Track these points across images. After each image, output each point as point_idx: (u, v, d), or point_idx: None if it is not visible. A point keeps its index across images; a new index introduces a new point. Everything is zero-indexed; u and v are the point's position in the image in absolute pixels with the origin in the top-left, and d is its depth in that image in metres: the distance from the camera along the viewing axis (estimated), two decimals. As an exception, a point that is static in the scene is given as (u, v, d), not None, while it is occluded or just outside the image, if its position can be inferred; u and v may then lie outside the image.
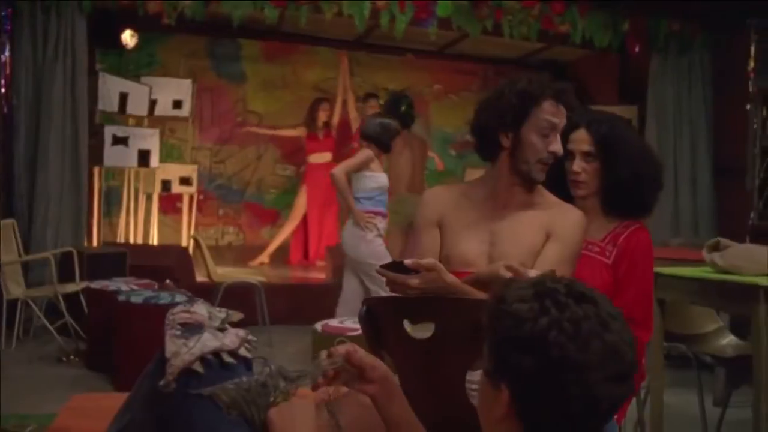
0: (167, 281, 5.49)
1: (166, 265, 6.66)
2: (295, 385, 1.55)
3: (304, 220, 8.61)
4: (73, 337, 5.89)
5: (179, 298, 5.11)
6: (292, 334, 6.49)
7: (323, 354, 1.60)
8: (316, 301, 7.05)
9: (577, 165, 2.64)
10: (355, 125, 8.72)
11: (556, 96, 2.29)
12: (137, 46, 8.23)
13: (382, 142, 5.56)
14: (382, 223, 5.61)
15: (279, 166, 9.65)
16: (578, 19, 7.22)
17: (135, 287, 5.50)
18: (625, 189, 2.65)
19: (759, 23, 7.07)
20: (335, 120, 8.75)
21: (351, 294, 5.47)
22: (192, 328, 1.75)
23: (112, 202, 8.03)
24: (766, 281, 3.37)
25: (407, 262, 2.09)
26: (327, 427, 1.64)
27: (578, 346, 1.16)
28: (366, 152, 5.56)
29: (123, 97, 7.38)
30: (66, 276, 6.09)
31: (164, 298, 5.04)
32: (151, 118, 7.85)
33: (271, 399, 1.53)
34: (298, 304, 6.99)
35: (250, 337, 1.80)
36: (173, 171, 8.02)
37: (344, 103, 9.01)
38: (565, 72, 9.82)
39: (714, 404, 4.57)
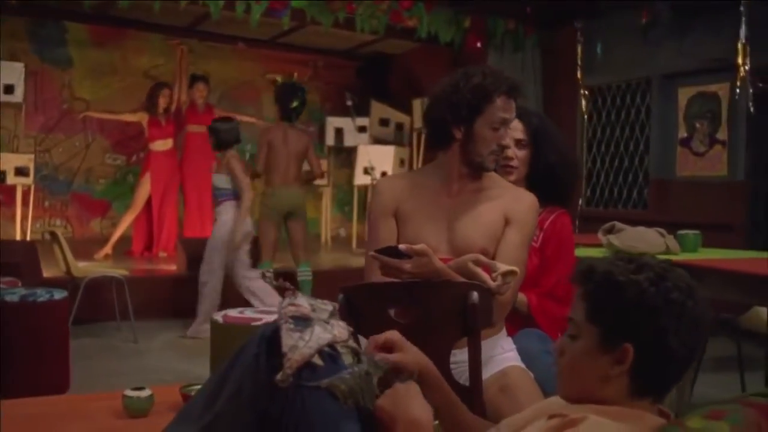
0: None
1: (13, 261, 6.23)
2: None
3: (145, 210, 8.28)
4: None
5: (58, 294, 4.88)
6: (154, 329, 6.34)
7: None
8: (174, 293, 6.91)
9: (511, 152, 2.87)
10: (184, 110, 8.55)
11: (508, 92, 2.45)
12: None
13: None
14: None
15: (109, 155, 9.27)
16: (424, 15, 7.52)
17: (2, 286, 5.14)
18: (553, 175, 2.92)
19: (584, 26, 7.73)
20: (174, 106, 8.51)
21: None
22: (300, 321, 1.78)
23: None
24: (668, 260, 3.80)
25: (402, 247, 2.19)
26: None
27: (694, 302, 1.41)
28: None
29: (-52, 81, 6.81)
30: None
31: (42, 295, 4.78)
32: (-20, 105, 7.29)
33: (374, 384, 1.63)
34: (156, 298, 6.80)
35: (351, 328, 1.85)
36: (8, 161, 7.47)
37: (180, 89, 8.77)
38: (393, 64, 10.17)
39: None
